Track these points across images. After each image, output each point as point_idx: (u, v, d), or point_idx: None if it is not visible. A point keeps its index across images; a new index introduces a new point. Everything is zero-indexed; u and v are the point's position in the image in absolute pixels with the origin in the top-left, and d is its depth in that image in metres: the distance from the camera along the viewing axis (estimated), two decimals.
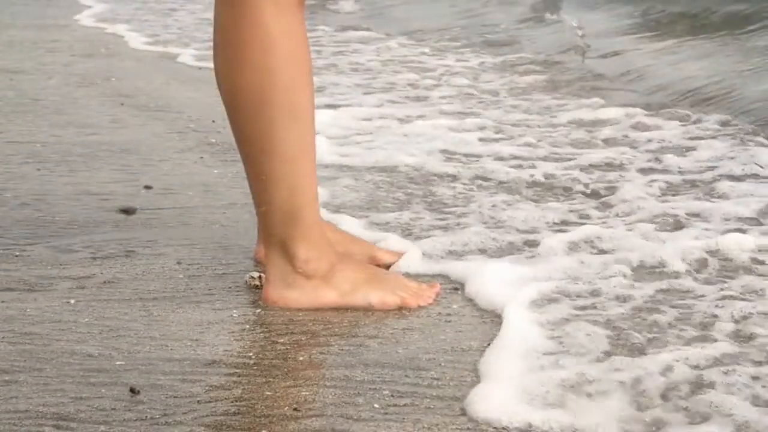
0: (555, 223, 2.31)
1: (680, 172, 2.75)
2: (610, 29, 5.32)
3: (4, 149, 3.01)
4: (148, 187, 2.60)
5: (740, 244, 2.11)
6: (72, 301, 1.83)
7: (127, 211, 2.38)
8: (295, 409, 1.44)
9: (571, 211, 2.40)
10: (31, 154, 2.96)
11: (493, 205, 2.43)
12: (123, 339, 1.67)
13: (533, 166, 2.82)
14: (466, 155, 2.97)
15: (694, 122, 3.34)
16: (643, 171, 2.77)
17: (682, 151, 2.98)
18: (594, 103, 3.70)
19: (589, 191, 2.58)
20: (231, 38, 1.75)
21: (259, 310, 1.82)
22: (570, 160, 2.90)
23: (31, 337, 1.67)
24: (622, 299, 1.86)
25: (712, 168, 2.77)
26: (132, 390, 1.48)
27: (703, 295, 1.88)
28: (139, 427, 1.38)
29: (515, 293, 1.86)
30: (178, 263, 2.04)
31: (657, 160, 2.88)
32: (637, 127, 3.31)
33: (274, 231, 1.81)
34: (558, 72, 4.48)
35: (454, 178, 2.72)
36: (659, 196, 2.51)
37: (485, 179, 2.70)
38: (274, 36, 1.72)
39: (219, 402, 1.46)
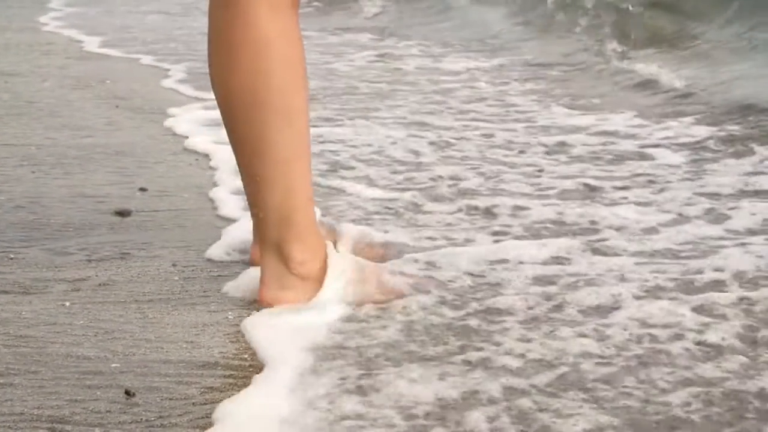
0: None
1: (594, 178, 2.73)
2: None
3: None
4: (143, 190, 2.60)
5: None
6: (67, 304, 1.83)
7: (122, 214, 2.38)
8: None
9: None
10: (26, 157, 2.96)
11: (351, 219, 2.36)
12: (118, 341, 1.67)
13: (424, 171, 2.82)
14: (359, 162, 2.94)
15: (663, 130, 3.34)
16: (536, 181, 2.72)
17: (615, 159, 2.98)
18: (570, 109, 3.72)
19: (465, 206, 2.48)
20: (224, 40, 1.75)
21: (255, 312, 1.81)
22: (469, 169, 2.86)
23: (26, 340, 1.67)
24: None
25: (624, 178, 2.75)
26: (127, 392, 1.48)
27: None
28: (135, 430, 1.38)
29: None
30: (174, 265, 2.04)
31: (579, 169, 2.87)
32: (596, 134, 3.30)
33: (269, 233, 1.81)
34: (552, 77, 4.49)
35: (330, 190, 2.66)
36: (529, 208, 2.43)
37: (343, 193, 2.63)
38: (267, 38, 1.72)
39: (214, 404, 1.46)
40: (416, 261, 2.04)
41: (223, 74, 1.77)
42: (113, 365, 1.58)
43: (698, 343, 1.65)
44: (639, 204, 2.47)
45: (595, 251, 2.11)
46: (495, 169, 2.83)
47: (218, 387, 1.52)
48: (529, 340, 1.66)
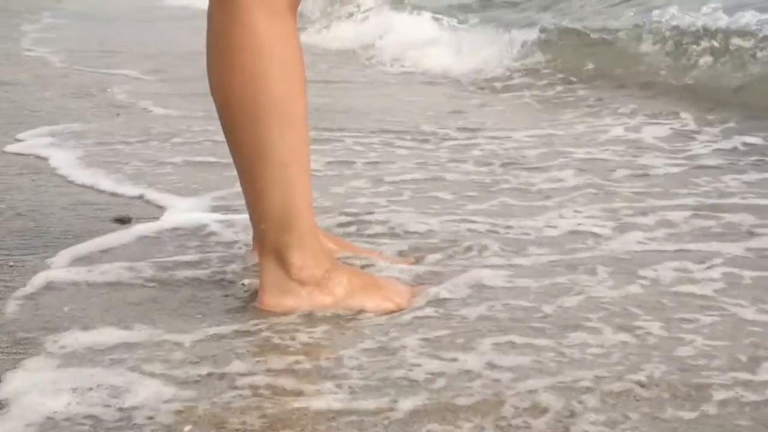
0: None
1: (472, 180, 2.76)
2: None
3: None
4: (142, 197, 2.60)
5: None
6: (66, 309, 1.81)
7: (122, 221, 2.38)
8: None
9: None
10: (26, 165, 2.96)
11: None
12: None
13: None
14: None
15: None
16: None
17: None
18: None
19: None
20: (223, 44, 1.74)
21: (254, 318, 1.80)
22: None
23: (24, 347, 1.65)
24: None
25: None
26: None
27: None
28: None
29: None
30: (173, 270, 2.03)
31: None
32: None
33: (269, 238, 1.80)
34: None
35: None
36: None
37: None
38: (266, 42, 1.72)
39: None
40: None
41: (222, 78, 1.76)
42: None
43: None
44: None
45: None
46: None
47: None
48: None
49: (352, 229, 2.33)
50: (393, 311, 1.81)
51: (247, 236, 2.12)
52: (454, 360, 1.59)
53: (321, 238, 1.91)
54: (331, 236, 2.13)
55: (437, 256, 2.12)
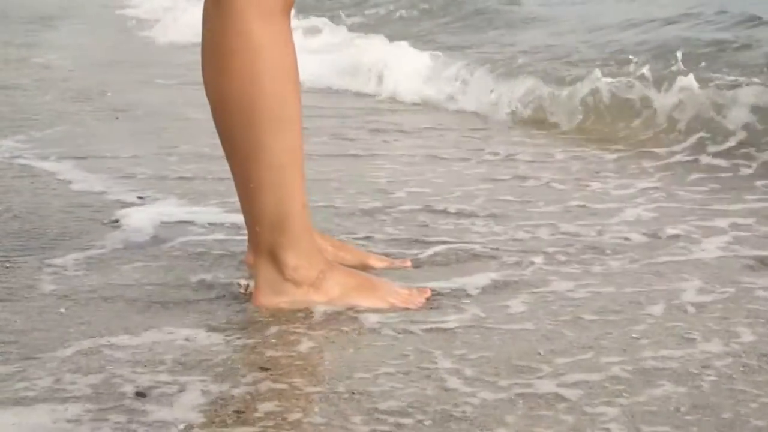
0: None
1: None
2: None
3: None
4: (140, 199, 2.60)
5: None
6: (62, 310, 1.82)
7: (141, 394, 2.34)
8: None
9: None
10: (24, 168, 2.96)
11: None
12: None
13: None
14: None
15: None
16: None
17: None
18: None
19: None
20: (217, 47, 1.74)
21: (252, 322, 1.80)
22: None
23: (21, 349, 1.65)
24: None
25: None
26: (138, 393, 1.47)
27: None
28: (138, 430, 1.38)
29: None
30: (170, 273, 2.03)
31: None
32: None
33: (264, 239, 1.80)
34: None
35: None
36: None
37: None
38: (260, 44, 1.72)
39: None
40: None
41: (217, 80, 1.76)
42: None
43: None
44: None
45: None
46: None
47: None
48: None
49: (410, 233, 2.35)
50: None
51: (242, 238, 2.12)
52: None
53: (316, 238, 1.91)
54: (328, 237, 2.13)
55: (499, 262, 2.12)
